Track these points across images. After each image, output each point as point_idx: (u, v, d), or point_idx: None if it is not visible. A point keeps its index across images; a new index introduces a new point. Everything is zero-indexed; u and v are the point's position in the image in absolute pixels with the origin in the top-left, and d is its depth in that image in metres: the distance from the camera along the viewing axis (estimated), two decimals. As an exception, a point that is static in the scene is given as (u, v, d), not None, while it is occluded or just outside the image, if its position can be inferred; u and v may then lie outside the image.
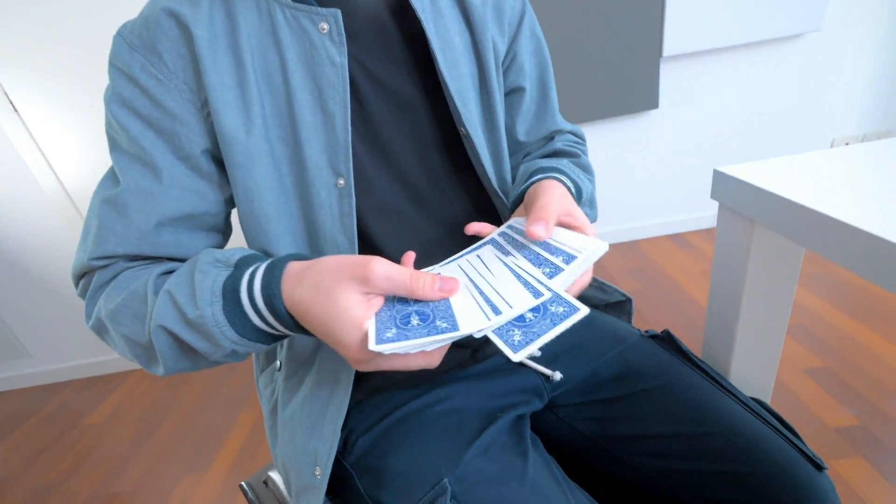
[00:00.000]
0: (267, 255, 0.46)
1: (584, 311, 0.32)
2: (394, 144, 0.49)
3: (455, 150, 0.51)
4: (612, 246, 2.17)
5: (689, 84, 1.92)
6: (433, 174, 0.51)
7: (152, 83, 0.42)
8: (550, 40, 1.77)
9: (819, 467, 0.45)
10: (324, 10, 0.43)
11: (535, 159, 0.59)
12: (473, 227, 0.46)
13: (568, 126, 0.63)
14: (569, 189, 0.49)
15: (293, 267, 0.37)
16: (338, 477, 0.51)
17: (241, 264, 0.39)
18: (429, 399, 0.51)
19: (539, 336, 0.32)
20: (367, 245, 0.50)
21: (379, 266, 0.33)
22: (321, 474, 0.47)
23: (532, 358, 0.57)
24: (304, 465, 0.48)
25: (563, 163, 0.54)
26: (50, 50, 1.44)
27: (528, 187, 0.49)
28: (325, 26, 0.43)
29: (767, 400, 0.61)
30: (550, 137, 0.61)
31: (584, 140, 0.65)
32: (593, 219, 0.56)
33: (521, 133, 0.60)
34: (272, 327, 0.38)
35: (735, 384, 0.60)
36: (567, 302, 0.33)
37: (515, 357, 0.31)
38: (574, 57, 1.80)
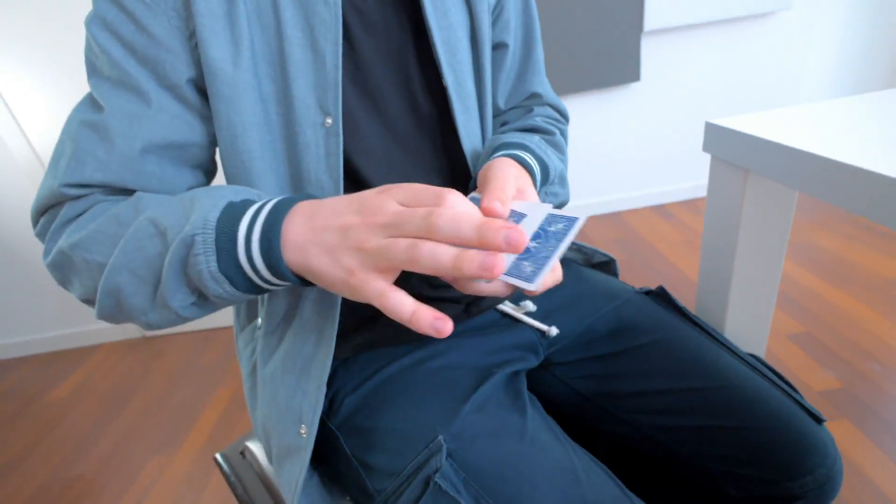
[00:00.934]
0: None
1: (582, 217, 0.33)
2: (383, 89, 0.48)
3: (442, 100, 0.50)
4: (595, 217, 2.19)
5: (670, 58, 1.94)
6: (421, 122, 0.50)
7: (139, 7, 0.40)
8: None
9: (818, 420, 0.45)
10: None
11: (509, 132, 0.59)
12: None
13: (551, 95, 0.62)
14: (531, 167, 0.49)
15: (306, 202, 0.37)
16: (323, 441, 0.49)
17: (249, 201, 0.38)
18: (420, 355, 0.49)
19: (549, 258, 0.31)
20: (352, 189, 0.48)
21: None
22: (307, 433, 0.45)
23: (527, 313, 0.56)
24: (288, 424, 0.46)
25: (534, 139, 0.54)
26: (16, 8, 1.34)
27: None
28: None
29: (762, 356, 0.62)
30: (529, 108, 0.61)
31: (565, 117, 0.64)
32: (565, 198, 0.56)
33: (501, 95, 0.59)
34: (253, 265, 0.35)
35: (730, 340, 0.60)
36: (563, 217, 0.33)
37: (535, 287, 0.30)
38: (557, 29, 1.79)
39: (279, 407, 0.47)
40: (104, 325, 1.83)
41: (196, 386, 1.52)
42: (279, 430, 0.47)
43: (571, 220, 0.33)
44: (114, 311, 0.39)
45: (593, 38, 1.82)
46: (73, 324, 1.82)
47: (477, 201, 0.37)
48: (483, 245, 0.29)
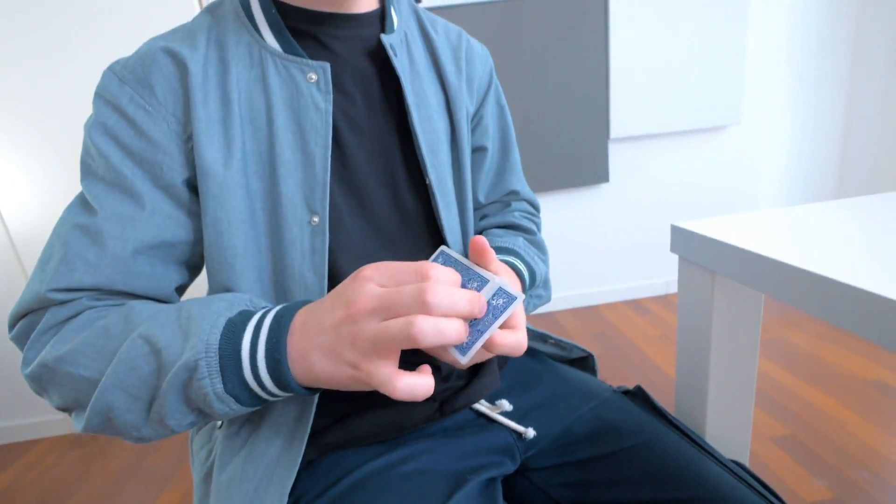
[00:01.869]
0: (228, 291, 0.45)
1: (520, 297, 0.33)
2: (369, 187, 0.50)
3: (425, 198, 0.53)
4: (573, 310, 2.20)
5: (636, 162, 2.10)
6: (405, 218, 0.52)
7: (139, 114, 0.43)
8: (513, 120, 1.90)
9: None
10: (314, 63, 0.46)
11: (491, 228, 0.62)
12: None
13: (527, 191, 0.67)
14: (521, 272, 0.53)
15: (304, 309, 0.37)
16: None
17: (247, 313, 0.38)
18: (390, 459, 0.46)
19: (483, 333, 0.32)
20: (335, 283, 0.48)
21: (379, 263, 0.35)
22: None
23: (503, 413, 0.54)
24: None
25: (519, 242, 0.57)
26: (1, 87, 1.39)
27: None
28: (314, 76, 0.46)
29: (746, 462, 0.60)
30: (507, 203, 0.65)
31: (538, 210, 0.69)
32: (547, 300, 0.59)
33: (482, 192, 0.63)
34: (260, 383, 0.36)
35: (712, 443, 0.58)
36: (506, 293, 0.34)
37: (465, 361, 0.31)
38: (532, 133, 1.95)
39: None
40: (44, 417, 1.67)
41: (139, 490, 1.37)
42: None
43: (511, 298, 0.33)
44: (102, 428, 0.38)
45: (565, 141, 1.97)
46: (14, 415, 1.66)
47: (447, 257, 0.38)
48: (474, 316, 0.32)
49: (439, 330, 0.29)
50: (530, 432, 0.52)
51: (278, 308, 0.38)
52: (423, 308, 0.30)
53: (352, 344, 0.32)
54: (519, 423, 0.53)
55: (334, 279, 0.48)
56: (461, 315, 0.31)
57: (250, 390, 0.36)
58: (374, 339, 0.31)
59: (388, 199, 0.51)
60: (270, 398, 0.38)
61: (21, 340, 0.41)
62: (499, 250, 0.54)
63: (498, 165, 0.64)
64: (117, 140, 0.42)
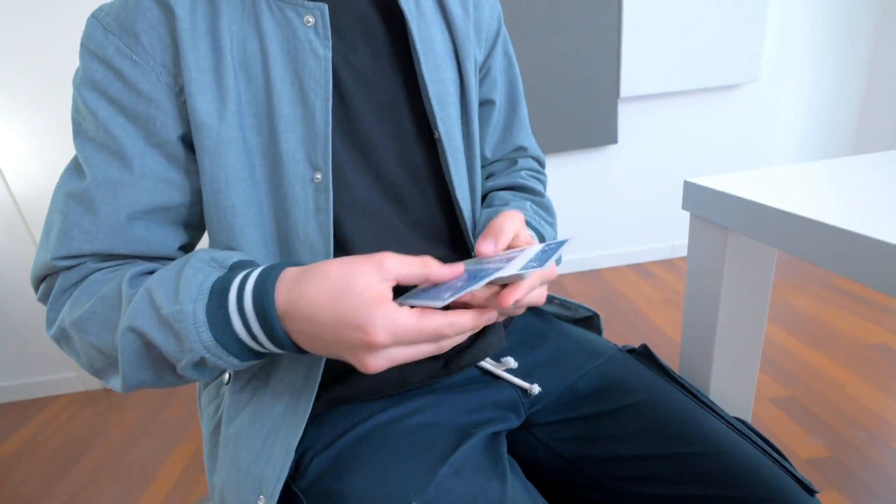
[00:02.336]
0: (231, 251, 0.45)
1: (568, 239, 0.38)
2: (374, 141, 0.48)
3: (433, 153, 0.51)
4: (575, 274, 2.20)
5: (646, 122, 2.04)
6: (413, 174, 0.51)
7: (127, 65, 0.40)
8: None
9: (811, 491, 0.43)
10: (310, 4, 0.44)
11: (497, 191, 0.61)
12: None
13: (534, 147, 0.65)
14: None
15: (291, 270, 0.37)
16: None
17: (237, 266, 0.39)
18: (396, 412, 0.47)
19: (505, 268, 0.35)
20: (340, 244, 0.48)
21: (390, 254, 0.35)
22: None
23: (508, 370, 0.54)
24: (246, 493, 0.42)
25: (527, 207, 0.56)
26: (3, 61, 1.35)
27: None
28: (311, 19, 0.44)
29: (748, 419, 0.61)
30: (514, 161, 0.63)
31: (544, 167, 0.68)
32: (556, 262, 0.58)
33: (489, 148, 0.62)
34: (255, 339, 0.36)
35: (716, 402, 0.58)
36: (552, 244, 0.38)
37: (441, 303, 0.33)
38: (540, 92, 1.89)
39: (240, 472, 0.43)
40: (62, 374, 1.72)
41: (154, 443, 1.42)
42: (237, 499, 0.43)
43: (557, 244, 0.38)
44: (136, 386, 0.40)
45: (573, 101, 1.91)
46: (30, 373, 1.70)
47: (478, 274, 0.38)
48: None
49: (461, 336, 0.37)
50: (535, 388, 0.52)
51: (259, 272, 0.38)
52: (440, 350, 0.36)
53: (347, 334, 0.34)
54: (524, 379, 0.53)
55: (339, 238, 0.47)
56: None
57: (250, 349, 0.37)
58: (372, 350, 0.34)
59: (394, 154, 0.49)
60: (261, 349, 0.38)
61: (44, 302, 0.43)
62: None
63: (506, 120, 0.62)
64: (106, 95, 0.41)
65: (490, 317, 0.36)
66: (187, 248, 0.48)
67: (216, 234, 0.44)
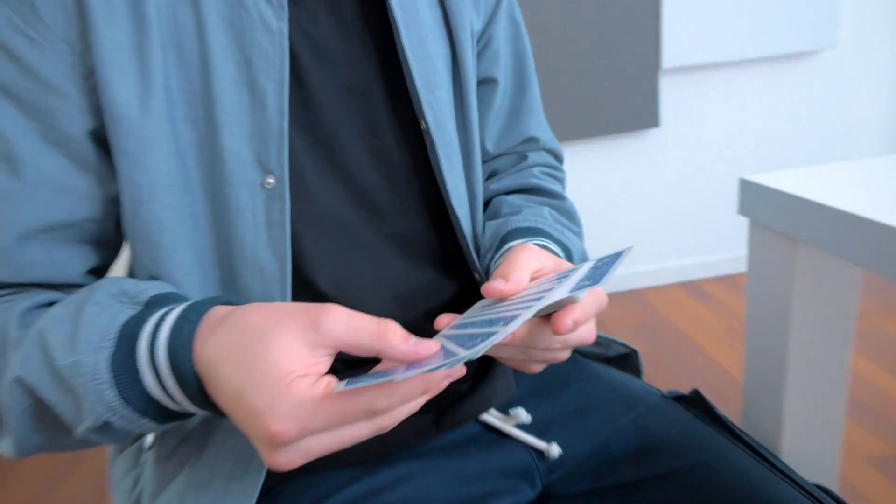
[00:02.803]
0: (155, 279, 0.45)
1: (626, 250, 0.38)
2: (341, 136, 0.49)
3: (418, 149, 0.52)
4: (611, 296, 2.20)
5: (695, 100, 2.07)
6: (391, 176, 0.51)
7: (21, 43, 0.40)
8: (535, 47, 1.86)
9: None
10: None
11: (504, 195, 0.62)
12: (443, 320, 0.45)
13: (548, 137, 0.66)
14: (555, 253, 0.51)
15: (218, 311, 0.37)
16: None
17: (154, 303, 0.39)
18: (372, 484, 0.47)
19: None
20: (299, 268, 0.48)
21: (338, 309, 0.33)
22: None
23: (519, 426, 0.54)
24: None
25: (545, 215, 0.56)
26: None
27: (500, 256, 0.52)
28: None
29: (833, 487, 0.61)
30: (523, 155, 0.64)
31: (562, 162, 0.68)
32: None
33: (491, 138, 0.62)
34: (172, 398, 0.36)
35: (790, 464, 0.59)
36: (607, 258, 0.39)
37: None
38: (556, 63, 1.91)
39: None
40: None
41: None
42: None
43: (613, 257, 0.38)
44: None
45: (602, 74, 1.93)
46: None
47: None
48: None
49: (404, 414, 0.34)
50: (554, 449, 0.52)
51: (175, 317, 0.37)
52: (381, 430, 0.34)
53: (245, 419, 0.32)
54: (540, 437, 0.53)
55: (298, 260, 0.47)
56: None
57: (163, 407, 0.37)
58: (273, 447, 0.32)
59: (367, 151, 0.50)
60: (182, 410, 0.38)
61: None
62: (520, 232, 0.53)
63: (512, 103, 0.63)
64: None
65: (452, 373, 0.34)
66: (99, 271, 0.48)
67: (139, 254, 0.44)
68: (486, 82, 0.60)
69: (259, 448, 0.32)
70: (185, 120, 0.43)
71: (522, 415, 0.53)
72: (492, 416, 0.54)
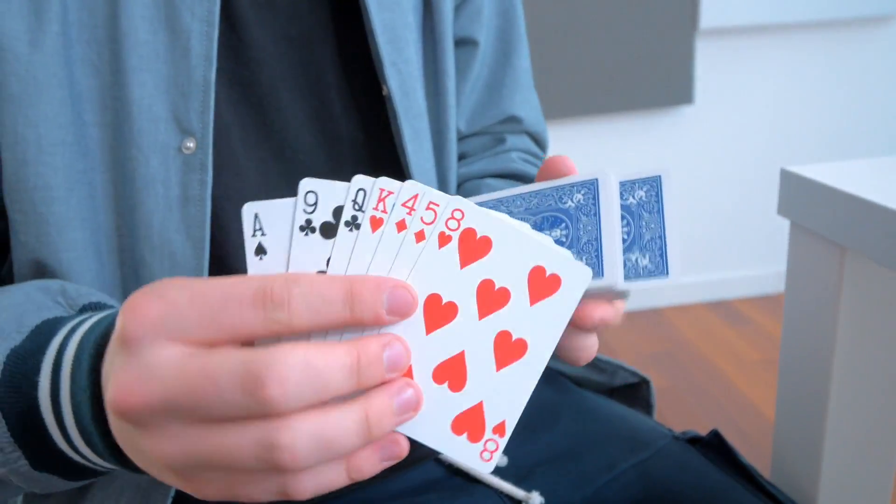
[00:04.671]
0: (39, 263, 0.44)
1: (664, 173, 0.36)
2: (278, 98, 0.49)
3: (376, 121, 0.52)
4: (625, 316, 2.20)
5: (738, 72, 2.08)
6: (337, 153, 0.52)
7: None
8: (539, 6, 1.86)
9: None
10: None
11: (479, 179, 0.63)
12: None
13: (533, 118, 0.67)
14: None
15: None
16: None
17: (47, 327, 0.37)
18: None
19: (664, 233, 0.35)
20: (217, 255, 0.48)
21: (173, 283, 0.26)
22: None
23: (494, 470, 0.54)
24: None
25: None
26: None
27: None
28: None
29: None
30: (500, 138, 0.65)
31: (545, 150, 0.69)
32: None
33: (464, 114, 0.63)
34: (70, 443, 0.34)
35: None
36: (638, 181, 0.37)
37: (671, 275, 0.32)
38: (575, 23, 1.91)
39: None
40: None
41: None
42: None
43: (653, 181, 0.36)
44: None
45: (622, 35, 1.94)
46: None
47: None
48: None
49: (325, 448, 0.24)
50: (535, 499, 0.53)
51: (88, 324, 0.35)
52: (262, 410, 0.24)
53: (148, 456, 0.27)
54: (518, 484, 0.54)
55: (218, 247, 0.47)
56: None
57: (73, 462, 0.35)
58: (189, 463, 0.26)
59: (310, 118, 0.50)
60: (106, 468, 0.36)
61: None
62: None
63: (492, 73, 0.64)
64: None
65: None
66: None
67: (20, 230, 0.44)
68: (463, 43, 0.61)
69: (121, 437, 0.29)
70: (84, 63, 0.44)
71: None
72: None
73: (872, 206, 0.49)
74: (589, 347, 0.35)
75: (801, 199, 0.57)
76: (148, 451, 0.26)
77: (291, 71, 0.50)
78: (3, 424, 0.34)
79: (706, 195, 2.19)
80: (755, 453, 1.49)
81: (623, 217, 0.36)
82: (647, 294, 2.23)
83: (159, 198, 0.45)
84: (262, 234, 0.29)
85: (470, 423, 0.28)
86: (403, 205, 0.28)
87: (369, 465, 0.26)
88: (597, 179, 0.34)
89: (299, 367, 0.23)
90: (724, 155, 2.16)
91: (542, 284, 0.27)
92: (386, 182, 0.28)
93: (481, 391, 0.28)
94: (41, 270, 0.44)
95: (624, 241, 0.35)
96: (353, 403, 0.25)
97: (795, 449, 0.63)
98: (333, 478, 0.26)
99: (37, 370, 0.34)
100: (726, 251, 2.24)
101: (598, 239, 0.34)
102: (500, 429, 0.28)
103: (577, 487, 0.55)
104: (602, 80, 1.98)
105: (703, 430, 0.61)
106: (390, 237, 0.28)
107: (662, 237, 0.35)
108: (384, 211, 0.28)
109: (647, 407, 0.68)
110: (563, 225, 0.34)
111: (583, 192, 0.35)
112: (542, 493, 0.54)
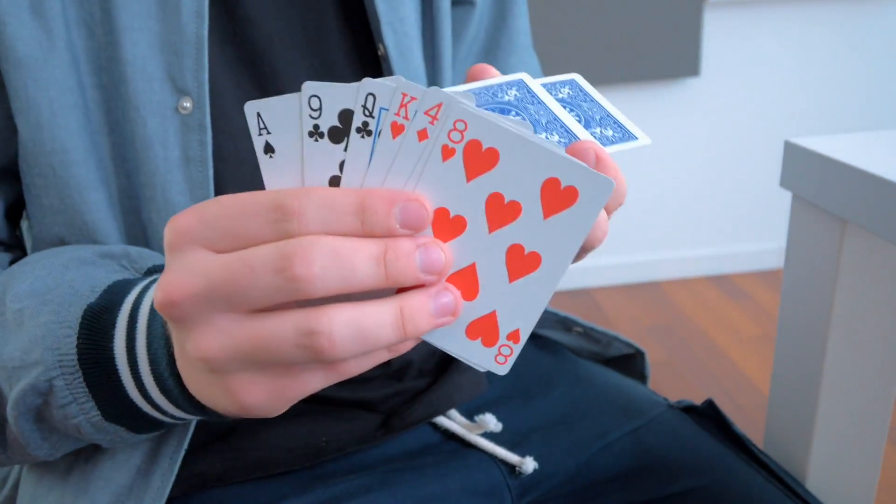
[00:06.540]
0: (68, 229, 0.45)
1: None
2: (273, 56, 0.49)
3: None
4: (624, 289, 2.23)
5: (748, 44, 2.06)
6: None
7: None
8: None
9: None
10: None
11: None
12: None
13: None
14: None
15: None
16: None
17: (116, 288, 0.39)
18: (304, 502, 0.47)
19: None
20: None
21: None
22: None
23: (487, 434, 0.55)
24: None
25: None
26: None
27: None
28: None
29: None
30: None
31: None
32: None
33: (460, 78, 0.62)
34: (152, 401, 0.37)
35: (816, 493, 0.61)
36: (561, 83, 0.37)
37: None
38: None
39: None
40: None
41: None
42: None
43: (570, 82, 0.36)
44: None
45: (631, 8, 1.93)
46: None
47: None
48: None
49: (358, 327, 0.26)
50: (529, 464, 0.53)
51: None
52: (293, 291, 0.25)
53: (193, 362, 0.29)
54: (512, 450, 0.55)
55: None
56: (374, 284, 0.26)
57: (141, 413, 0.37)
58: (237, 356, 0.27)
59: (307, 77, 0.49)
60: (177, 420, 0.39)
61: None
62: None
63: (488, 35, 0.63)
64: None
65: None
66: (12, 212, 0.49)
67: (42, 195, 0.45)
68: (460, 3, 0.60)
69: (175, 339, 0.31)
70: (79, 24, 0.44)
71: (491, 422, 0.54)
72: (453, 422, 0.55)
73: (874, 178, 0.49)
74: (601, 223, 0.34)
75: (803, 171, 0.57)
76: (192, 351, 0.27)
77: (288, 30, 0.50)
78: (80, 375, 0.36)
79: (710, 168, 2.18)
80: (750, 427, 1.48)
81: (564, 106, 0.36)
82: (647, 267, 2.23)
83: (160, 159, 0.45)
84: (268, 133, 0.30)
85: (484, 329, 0.29)
86: (426, 113, 0.27)
87: (422, 314, 0.27)
88: (522, 78, 0.35)
89: (326, 250, 0.25)
90: (728, 128, 2.15)
91: (556, 197, 0.27)
92: (408, 87, 0.27)
93: (494, 301, 0.28)
94: (69, 233, 0.45)
95: (578, 122, 0.36)
96: (390, 299, 0.26)
97: (788, 421, 0.64)
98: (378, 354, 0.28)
99: (112, 324, 0.36)
100: (727, 226, 2.25)
101: (557, 119, 0.34)
102: (514, 336, 0.29)
103: (571, 454, 0.55)
104: (608, 51, 1.97)
105: (693, 400, 0.62)
106: (410, 145, 0.28)
107: (610, 116, 0.36)
108: (406, 118, 0.28)
109: (641, 378, 0.69)
110: (514, 112, 0.33)
111: (514, 88, 0.34)
112: (535, 459, 0.54)
